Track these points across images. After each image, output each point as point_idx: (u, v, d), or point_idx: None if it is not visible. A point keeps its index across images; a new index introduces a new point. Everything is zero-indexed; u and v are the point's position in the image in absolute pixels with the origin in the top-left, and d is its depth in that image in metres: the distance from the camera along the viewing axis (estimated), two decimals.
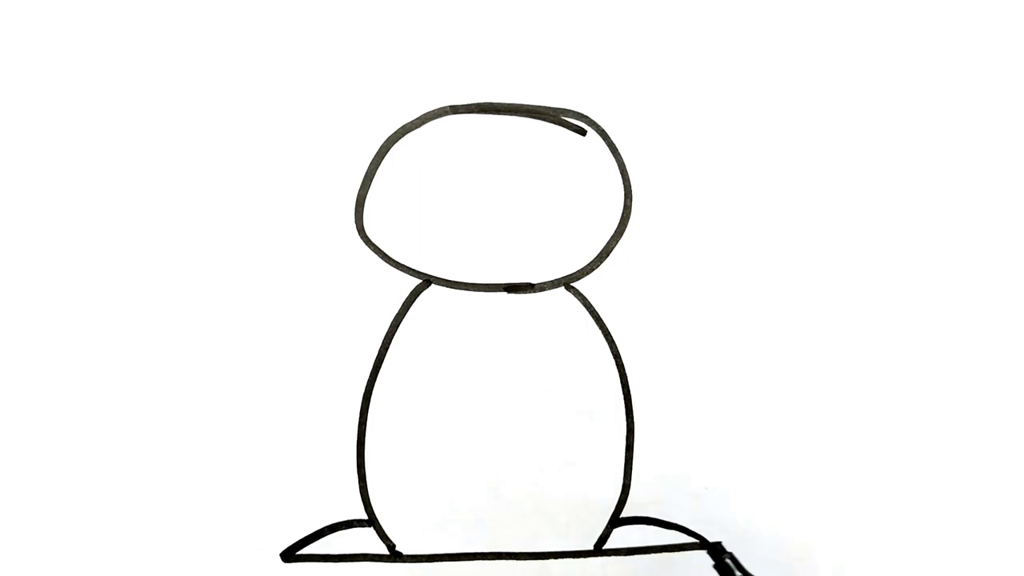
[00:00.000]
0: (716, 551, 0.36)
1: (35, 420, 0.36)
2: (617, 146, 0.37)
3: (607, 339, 0.37)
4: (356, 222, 0.36)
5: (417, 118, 0.36)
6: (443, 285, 0.36)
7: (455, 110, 0.36)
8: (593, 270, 0.36)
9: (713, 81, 0.37)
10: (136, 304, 0.36)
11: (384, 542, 0.37)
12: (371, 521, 0.37)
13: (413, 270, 0.36)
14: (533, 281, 0.36)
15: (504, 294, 0.37)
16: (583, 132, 0.37)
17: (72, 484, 0.36)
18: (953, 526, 0.38)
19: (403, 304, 0.36)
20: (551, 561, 0.37)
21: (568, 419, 0.36)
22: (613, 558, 0.37)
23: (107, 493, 0.36)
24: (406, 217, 0.36)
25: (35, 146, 0.35)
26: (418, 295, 0.36)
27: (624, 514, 0.37)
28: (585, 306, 0.36)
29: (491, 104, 0.36)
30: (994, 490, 0.38)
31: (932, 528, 0.38)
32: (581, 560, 0.37)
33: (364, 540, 0.37)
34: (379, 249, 0.36)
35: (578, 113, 0.37)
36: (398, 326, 0.36)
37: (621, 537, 0.37)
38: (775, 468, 0.37)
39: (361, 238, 0.36)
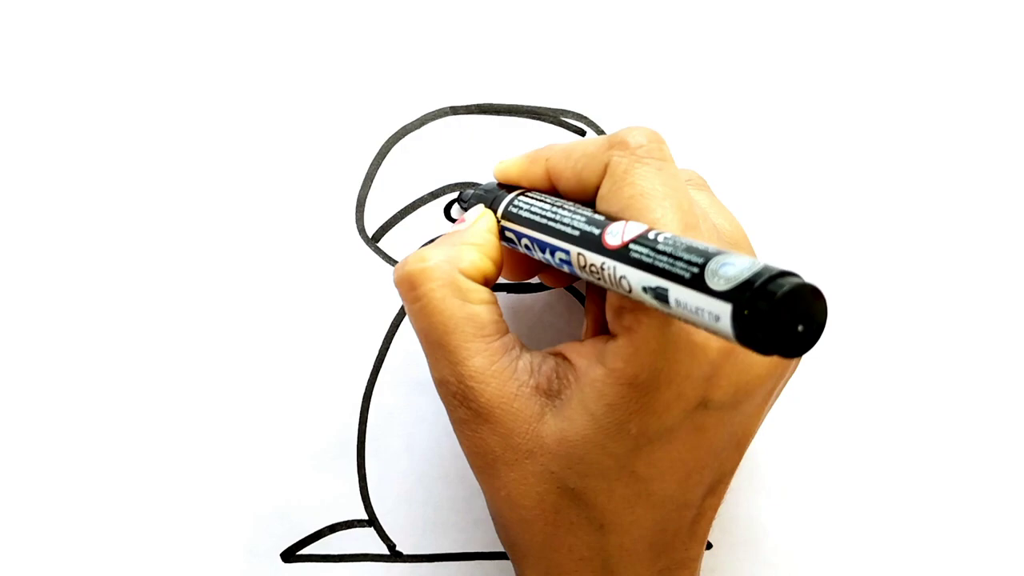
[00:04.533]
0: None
1: (30, 417, 0.36)
2: None
3: None
4: (356, 222, 0.36)
5: (417, 118, 0.36)
6: None
7: (455, 110, 0.36)
8: None
9: (713, 82, 0.37)
10: (133, 303, 0.36)
11: (384, 542, 0.37)
12: (371, 521, 0.37)
13: None
14: (533, 281, 0.36)
15: (504, 294, 0.37)
16: (582, 133, 0.37)
17: (70, 484, 0.36)
18: (951, 526, 0.38)
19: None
20: None
21: None
22: None
23: (104, 492, 0.36)
24: (406, 217, 0.36)
25: (34, 146, 0.35)
26: None
27: None
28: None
29: (491, 104, 0.36)
30: (992, 489, 0.38)
31: (930, 528, 0.38)
32: None
33: (364, 540, 0.37)
34: (379, 249, 0.36)
35: (578, 114, 0.37)
36: (398, 326, 0.37)
37: None
38: (775, 469, 0.37)
39: (361, 238, 0.36)
